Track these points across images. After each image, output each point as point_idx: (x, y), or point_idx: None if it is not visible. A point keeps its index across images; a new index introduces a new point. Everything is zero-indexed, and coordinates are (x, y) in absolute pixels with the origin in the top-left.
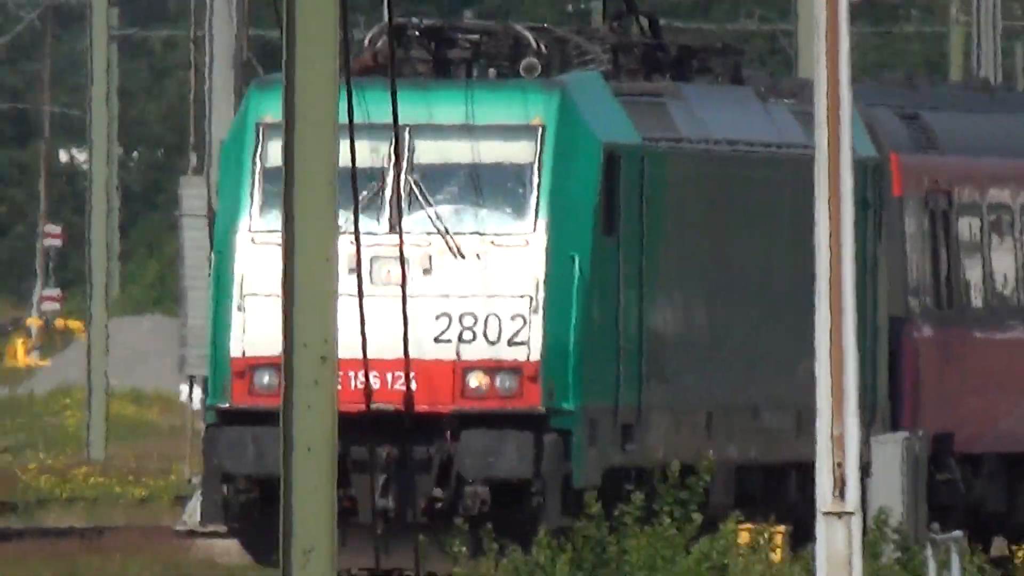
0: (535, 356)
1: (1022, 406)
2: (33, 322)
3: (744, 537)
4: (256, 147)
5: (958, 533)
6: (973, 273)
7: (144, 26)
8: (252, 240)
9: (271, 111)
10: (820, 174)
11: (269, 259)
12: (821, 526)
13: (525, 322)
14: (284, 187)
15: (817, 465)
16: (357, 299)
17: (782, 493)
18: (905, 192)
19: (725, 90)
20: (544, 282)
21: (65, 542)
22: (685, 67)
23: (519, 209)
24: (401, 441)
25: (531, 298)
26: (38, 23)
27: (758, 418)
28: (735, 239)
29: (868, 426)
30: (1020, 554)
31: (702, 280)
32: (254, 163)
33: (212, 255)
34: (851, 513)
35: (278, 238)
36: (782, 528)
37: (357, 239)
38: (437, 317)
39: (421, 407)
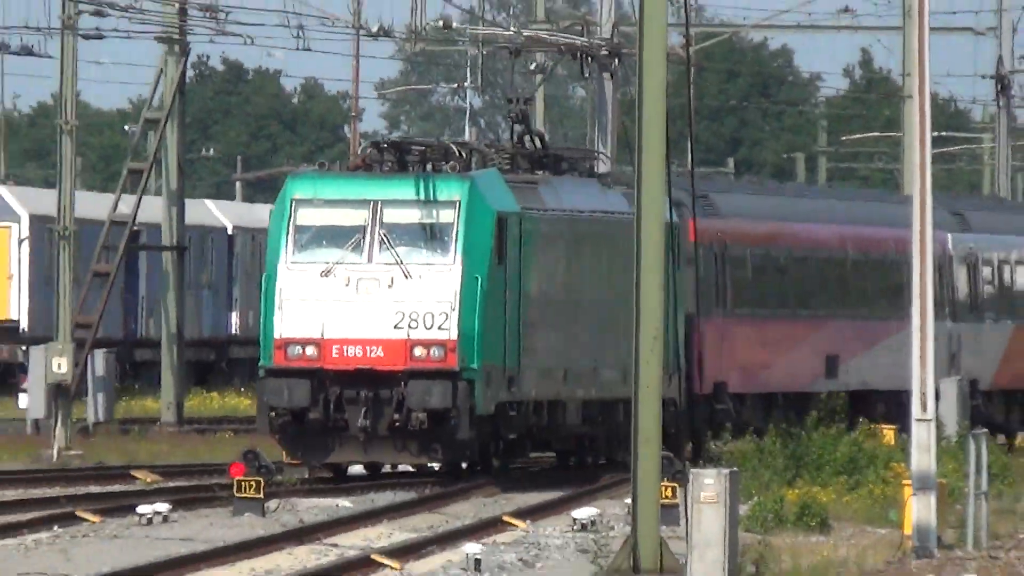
0: (453, 336)
1: (769, 366)
2: None
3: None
4: (291, 214)
5: (984, 430)
6: (740, 287)
7: None
8: (288, 268)
9: (299, 191)
10: (915, 251)
11: (298, 278)
12: (914, 427)
13: (448, 317)
14: (635, 249)
15: (913, 392)
16: (350, 304)
17: (614, 418)
18: (698, 240)
19: (579, 180)
20: (459, 293)
21: None
22: (557, 166)
23: (445, 249)
24: (375, 386)
25: (451, 303)
26: None
27: (597, 373)
28: (580, 265)
29: (671, 375)
30: None
31: (558, 291)
32: (290, 223)
33: (263, 277)
34: (930, 420)
35: (304, 267)
36: (893, 427)
37: None
38: (396, 313)
39: (388, 367)
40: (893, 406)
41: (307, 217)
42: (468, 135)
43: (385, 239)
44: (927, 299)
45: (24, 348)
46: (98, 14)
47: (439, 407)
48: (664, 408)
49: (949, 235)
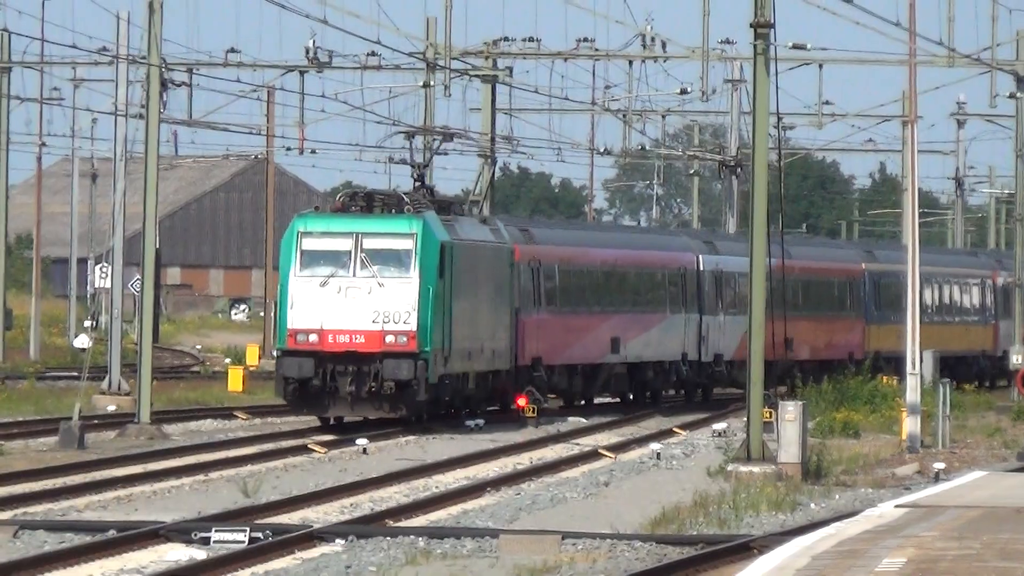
0: (413, 328)
1: (571, 346)
2: None
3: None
4: (297, 241)
5: (947, 380)
6: (551, 290)
7: None
8: (296, 279)
9: (304, 226)
10: (908, 276)
11: (304, 286)
12: (908, 378)
13: (409, 314)
14: (750, 274)
15: (907, 359)
16: (340, 305)
17: (499, 377)
18: (520, 259)
19: (471, 219)
20: (417, 298)
21: None
22: (449, 208)
23: (407, 267)
24: (358, 363)
25: (412, 305)
26: None
27: (482, 351)
28: (474, 278)
29: (506, 354)
30: None
31: (466, 296)
32: (297, 248)
33: (279, 285)
34: (917, 374)
35: (308, 279)
36: (895, 379)
37: None
38: (373, 311)
39: (367, 350)
40: (659, 372)
41: (309, 244)
42: (655, 212)
43: (365, 260)
44: (915, 302)
45: None
46: (445, 140)
47: (406, 378)
48: (499, 374)
49: (701, 256)
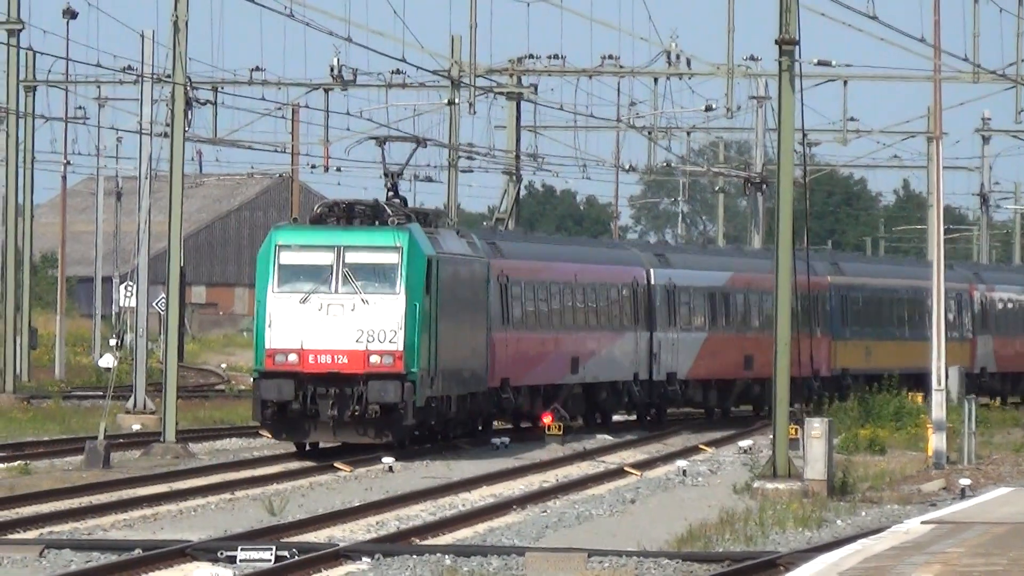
0: (400, 348)
1: (535, 366)
2: None
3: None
4: (275, 254)
5: (972, 396)
6: (518, 308)
7: None
8: (274, 295)
9: (282, 238)
10: (934, 292)
11: (283, 303)
12: (934, 394)
13: (395, 333)
14: (775, 291)
15: (933, 375)
16: (322, 323)
17: (476, 400)
18: (491, 274)
19: (449, 231)
20: (404, 315)
21: None
22: (431, 222)
23: (392, 283)
24: (341, 385)
25: (398, 323)
26: None
27: (463, 371)
28: (456, 293)
29: (482, 375)
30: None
31: (450, 313)
32: (274, 262)
33: (256, 302)
34: (943, 390)
35: (287, 295)
36: (920, 395)
37: None
38: (356, 330)
39: (351, 371)
40: (612, 393)
41: (288, 258)
42: (680, 228)
43: (347, 275)
44: (942, 318)
45: None
46: (469, 158)
47: (392, 401)
48: (475, 396)
49: (652, 270)
